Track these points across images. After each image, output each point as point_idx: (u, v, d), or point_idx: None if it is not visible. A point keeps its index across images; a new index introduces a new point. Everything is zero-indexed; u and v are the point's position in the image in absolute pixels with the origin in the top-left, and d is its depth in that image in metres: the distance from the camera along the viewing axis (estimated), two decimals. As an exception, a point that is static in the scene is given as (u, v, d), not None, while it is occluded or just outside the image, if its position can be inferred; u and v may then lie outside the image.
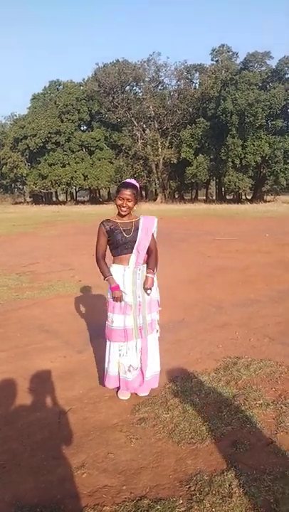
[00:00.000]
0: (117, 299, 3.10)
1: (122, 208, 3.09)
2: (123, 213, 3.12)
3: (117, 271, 3.16)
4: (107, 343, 3.26)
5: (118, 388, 3.30)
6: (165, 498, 2.17)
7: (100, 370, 3.76)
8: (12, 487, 2.30)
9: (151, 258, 3.22)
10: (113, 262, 3.21)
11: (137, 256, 3.14)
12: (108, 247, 3.20)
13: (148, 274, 3.17)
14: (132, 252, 3.13)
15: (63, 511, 2.11)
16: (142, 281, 3.16)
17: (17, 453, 2.61)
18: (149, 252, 3.22)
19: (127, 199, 3.06)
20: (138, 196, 3.15)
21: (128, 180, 3.19)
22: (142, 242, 3.13)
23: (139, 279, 3.14)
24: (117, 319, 3.15)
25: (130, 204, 3.09)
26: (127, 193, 3.06)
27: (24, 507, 2.14)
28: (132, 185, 3.10)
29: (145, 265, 3.21)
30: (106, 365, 3.28)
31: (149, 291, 3.15)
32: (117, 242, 3.13)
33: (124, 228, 3.13)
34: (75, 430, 2.85)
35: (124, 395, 3.26)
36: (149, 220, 3.21)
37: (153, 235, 3.21)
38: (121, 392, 3.27)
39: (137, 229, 3.14)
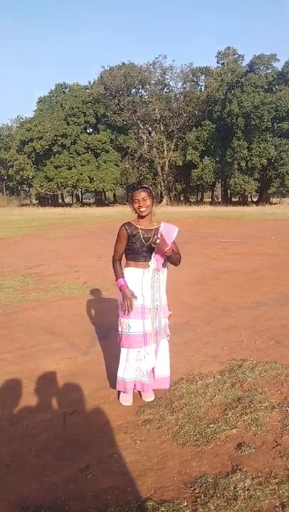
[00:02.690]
0: (128, 299, 2.97)
1: (142, 209, 2.98)
2: (143, 214, 3.01)
3: (135, 274, 3.06)
4: (123, 350, 3.14)
5: (119, 393, 3.27)
6: (170, 500, 2.16)
7: (105, 371, 3.77)
8: (17, 488, 2.31)
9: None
10: (128, 265, 3.12)
11: (156, 264, 3.05)
12: (125, 251, 3.12)
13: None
14: (149, 260, 3.04)
15: (68, 512, 2.11)
16: (160, 285, 3.08)
17: (22, 454, 2.62)
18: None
19: (143, 198, 2.97)
20: (153, 196, 3.06)
21: (137, 184, 3.09)
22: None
23: (157, 282, 3.05)
24: (135, 324, 3.04)
25: (148, 203, 2.99)
26: (142, 193, 2.97)
27: (29, 507, 2.14)
28: (143, 187, 3.02)
29: (163, 270, 3.11)
30: (121, 373, 3.15)
31: (156, 238, 2.87)
32: (136, 248, 3.04)
33: (144, 235, 3.04)
34: (79, 431, 2.86)
35: (126, 401, 3.19)
36: (170, 229, 3.07)
37: (174, 241, 3.09)
38: (123, 398, 3.21)
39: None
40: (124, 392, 3.20)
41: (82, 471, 2.42)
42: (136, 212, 3.04)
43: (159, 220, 3.16)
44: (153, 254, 3.01)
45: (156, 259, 3.03)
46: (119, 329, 3.14)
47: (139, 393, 3.28)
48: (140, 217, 3.06)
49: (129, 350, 3.10)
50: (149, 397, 3.24)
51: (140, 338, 3.05)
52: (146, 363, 3.12)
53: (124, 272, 3.12)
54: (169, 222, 3.18)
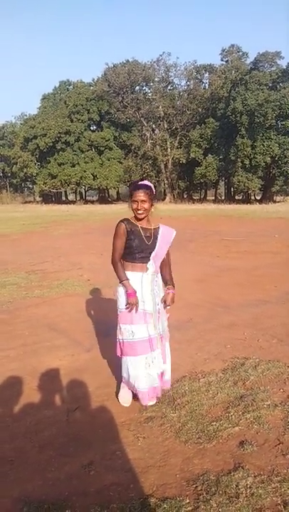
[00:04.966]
0: (133, 305, 2.90)
1: (139, 211, 2.87)
2: (141, 217, 2.91)
3: (134, 277, 2.95)
4: (128, 359, 2.98)
5: (117, 392, 3.22)
6: (172, 497, 2.17)
7: (108, 368, 3.78)
8: (20, 483, 2.32)
9: (167, 271, 3.07)
10: (125, 269, 2.98)
11: (154, 265, 2.97)
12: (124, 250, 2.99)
13: (170, 291, 3.01)
14: (148, 261, 2.94)
15: (71, 508, 2.13)
16: (159, 288, 3.02)
17: (25, 450, 2.64)
18: (162, 264, 3.05)
19: (142, 200, 2.85)
20: (153, 196, 2.93)
21: (140, 181, 2.95)
22: (159, 253, 2.97)
23: (156, 286, 2.99)
24: (138, 330, 2.93)
25: (146, 206, 2.87)
26: (141, 194, 2.84)
27: (32, 503, 2.16)
28: (144, 186, 2.88)
29: (160, 274, 3.07)
30: (133, 383, 2.99)
31: (168, 307, 3.04)
32: (135, 247, 2.92)
33: (145, 234, 2.94)
34: (83, 428, 2.87)
35: (125, 402, 3.13)
36: (169, 232, 3.03)
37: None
38: (122, 397, 3.15)
39: (157, 238, 2.97)
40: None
41: (85, 468, 2.44)
42: (133, 212, 2.94)
43: (155, 221, 3.05)
44: (152, 256, 2.94)
45: (154, 262, 2.96)
46: (119, 337, 3.02)
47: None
48: (137, 218, 2.96)
49: (136, 358, 2.95)
50: (152, 400, 3.16)
51: (146, 344, 2.94)
52: (154, 368, 2.99)
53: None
54: (168, 223, 3.11)
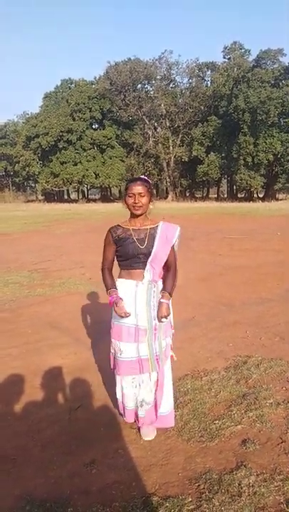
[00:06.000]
0: (122, 314, 2.55)
1: (136, 207, 2.51)
2: (137, 213, 2.54)
3: (127, 287, 2.60)
4: (117, 376, 2.72)
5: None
6: (174, 496, 2.17)
7: (109, 366, 3.77)
8: (22, 482, 2.33)
9: (168, 277, 2.64)
10: (120, 276, 2.66)
11: (152, 272, 2.57)
12: (116, 257, 2.67)
13: (163, 300, 2.56)
14: (145, 267, 2.57)
15: (73, 506, 2.13)
16: (158, 300, 2.60)
17: (27, 448, 2.64)
18: (166, 266, 2.65)
19: (139, 193, 2.49)
20: (151, 192, 2.59)
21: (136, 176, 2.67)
22: (159, 255, 2.56)
23: (154, 297, 2.58)
24: (127, 348, 2.58)
25: (144, 200, 2.51)
26: (138, 186, 2.50)
27: (34, 501, 2.16)
28: (141, 178, 2.57)
29: (161, 281, 2.66)
30: (120, 398, 2.74)
31: (164, 320, 2.58)
32: (127, 254, 2.57)
33: (137, 237, 2.56)
34: (85, 426, 2.87)
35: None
36: (170, 229, 2.62)
37: (173, 247, 2.63)
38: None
39: (154, 238, 2.56)
40: (126, 420, 2.80)
41: (87, 466, 2.44)
42: (129, 208, 2.58)
43: (155, 219, 2.68)
44: (149, 260, 2.56)
45: (152, 267, 2.57)
46: (111, 350, 2.72)
47: (138, 428, 2.80)
48: (133, 215, 2.61)
49: (123, 377, 2.67)
50: (147, 435, 2.72)
51: (134, 365, 2.59)
52: (140, 391, 2.66)
53: (116, 283, 2.68)
54: (171, 221, 2.84)
